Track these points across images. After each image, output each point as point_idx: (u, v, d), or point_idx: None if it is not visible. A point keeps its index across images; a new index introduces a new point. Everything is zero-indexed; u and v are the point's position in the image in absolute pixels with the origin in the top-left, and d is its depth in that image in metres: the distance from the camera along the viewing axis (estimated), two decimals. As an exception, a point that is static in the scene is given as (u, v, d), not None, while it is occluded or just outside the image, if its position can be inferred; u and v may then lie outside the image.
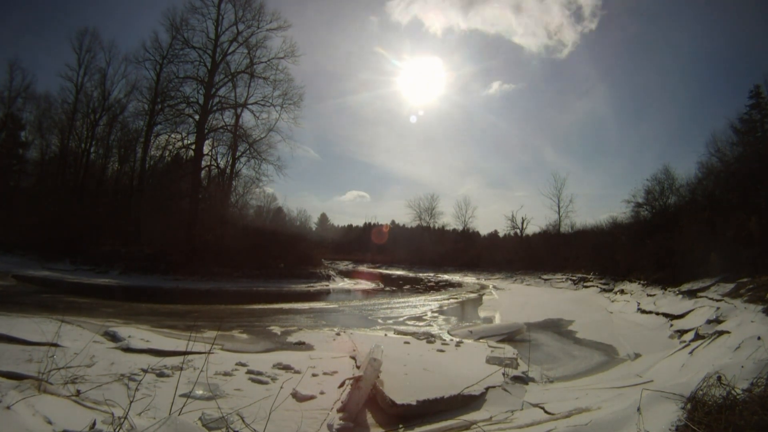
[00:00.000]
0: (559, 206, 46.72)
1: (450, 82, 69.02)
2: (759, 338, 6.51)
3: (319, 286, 27.12)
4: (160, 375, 6.15)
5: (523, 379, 7.32)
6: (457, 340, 11.18)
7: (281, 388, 4.88)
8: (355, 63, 75.10)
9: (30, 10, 52.02)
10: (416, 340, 10.63)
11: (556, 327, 14.23)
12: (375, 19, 77.32)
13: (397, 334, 11.98)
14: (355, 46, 74.83)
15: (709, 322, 10.40)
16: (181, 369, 6.06)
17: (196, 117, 29.68)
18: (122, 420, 3.01)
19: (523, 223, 49.91)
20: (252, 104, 31.04)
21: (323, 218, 74.45)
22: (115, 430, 2.98)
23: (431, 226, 61.40)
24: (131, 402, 3.39)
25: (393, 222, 71.75)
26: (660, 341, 11.42)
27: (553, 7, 71.33)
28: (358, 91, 67.26)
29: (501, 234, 57.17)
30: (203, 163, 30.82)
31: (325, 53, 76.82)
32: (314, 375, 6.97)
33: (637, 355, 9.97)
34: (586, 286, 28.76)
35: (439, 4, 73.30)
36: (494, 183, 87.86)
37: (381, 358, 6.10)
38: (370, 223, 74.04)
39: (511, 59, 74.30)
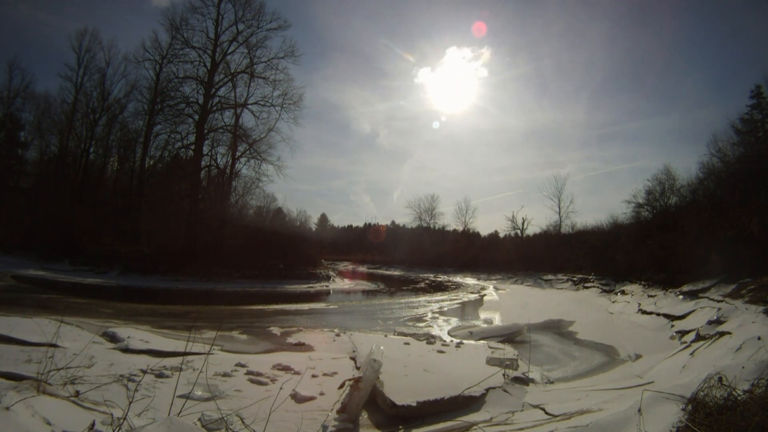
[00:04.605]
0: (559, 207, 46.69)
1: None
2: (759, 338, 6.49)
3: (318, 286, 27.11)
4: (160, 376, 6.14)
5: (523, 380, 7.31)
6: (458, 341, 11.17)
7: (281, 389, 4.85)
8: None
9: (30, 10, 52.02)
10: (416, 341, 10.61)
11: (557, 328, 14.22)
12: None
13: (397, 335, 11.97)
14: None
15: (710, 323, 10.37)
16: (181, 370, 6.04)
17: (196, 117, 29.69)
18: (121, 421, 2.99)
19: (523, 224, 49.86)
20: (252, 104, 31.09)
21: (323, 218, 74.51)
22: (114, 430, 2.96)
23: (431, 226, 61.38)
24: (130, 403, 3.37)
25: (393, 222, 71.87)
26: (661, 342, 11.41)
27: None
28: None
29: (501, 234, 57.05)
30: (203, 163, 30.87)
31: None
32: (314, 376, 6.96)
33: (638, 356, 9.96)
34: (587, 287, 28.75)
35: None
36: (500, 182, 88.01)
37: (381, 359, 6.08)
38: (370, 224, 74.18)
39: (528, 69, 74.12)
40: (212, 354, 7.19)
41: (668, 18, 63.94)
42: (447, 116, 73.50)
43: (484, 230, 62.49)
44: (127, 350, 7.74)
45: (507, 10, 71.24)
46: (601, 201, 69.92)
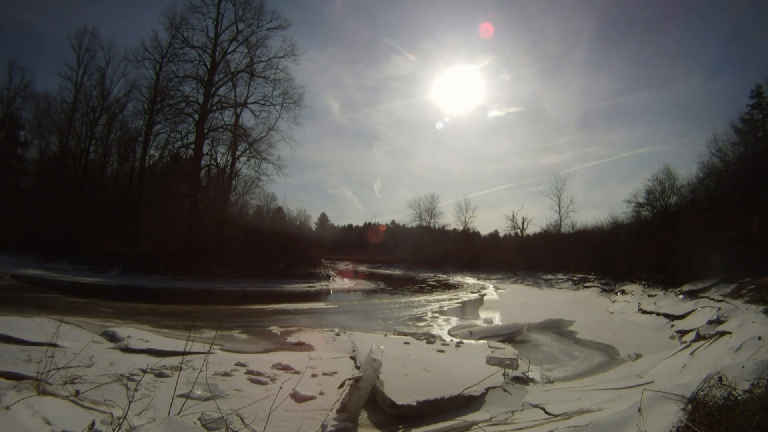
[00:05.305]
0: (559, 206, 46.65)
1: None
2: (760, 338, 6.49)
3: (318, 286, 27.12)
4: (160, 375, 6.13)
5: (523, 380, 7.30)
6: (458, 340, 11.16)
7: (281, 388, 4.86)
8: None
9: (30, 9, 52.03)
10: (416, 341, 10.61)
11: (557, 327, 14.21)
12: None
13: (397, 334, 11.96)
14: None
15: (710, 322, 10.38)
16: (180, 369, 6.04)
17: (196, 116, 29.68)
18: (121, 420, 2.99)
19: (523, 223, 49.85)
20: (252, 103, 31.12)
21: (323, 218, 74.61)
22: (114, 430, 2.96)
23: (431, 226, 61.45)
24: (130, 402, 3.38)
25: (393, 222, 71.95)
26: (661, 342, 11.39)
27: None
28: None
29: (501, 234, 57.14)
30: (203, 163, 30.88)
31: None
32: (314, 375, 6.95)
33: (638, 356, 9.95)
34: (587, 287, 28.73)
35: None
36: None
37: (381, 358, 6.07)
38: (369, 223, 74.24)
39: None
40: (212, 353, 7.18)
41: (670, 17, 63.97)
42: (437, 105, 74.14)
43: (484, 229, 62.69)
44: (126, 350, 7.73)
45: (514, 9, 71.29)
46: (604, 195, 69.50)
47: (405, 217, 78.12)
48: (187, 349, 6.22)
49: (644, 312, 16.10)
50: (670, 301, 15.93)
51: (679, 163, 56.86)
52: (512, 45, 72.22)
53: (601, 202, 71.08)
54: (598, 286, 27.36)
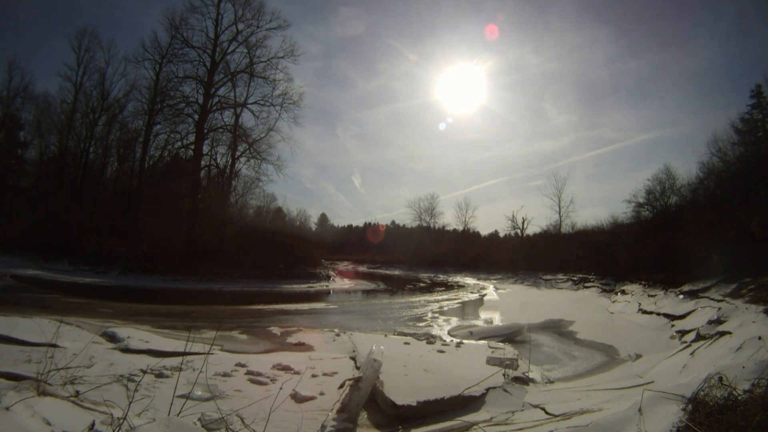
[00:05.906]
0: (559, 206, 46.65)
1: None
2: (760, 338, 6.49)
3: (318, 286, 27.11)
4: (159, 376, 6.13)
5: (523, 380, 7.30)
6: (458, 340, 11.16)
7: (281, 388, 4.85)
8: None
9: (30, 10, 52.05)
10: (416, 341, 10.61)
11: (557, 327, 14.21)
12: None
13: (398, 334, 11.96)
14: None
15: (710, 322, 10.38)
16: (180, 370, 6.04)
17: (196, 117, 29.69)
18: (121, 421, 2.98)
19: (523, 224, 49.82)
20: (252, 104, 31.11)
21: (323, 218, 74.67)
22: (114, 430, 2.96)
23: (431, 226, 61.47)
24: (130, 403, 3.37)
25: (393, 222, 72.04)
26: (661, 342, 11.39)
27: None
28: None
29: (501, 234, 57.14)
30: (202, 163, 30.88)
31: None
32: (314, 376, 6.96)
33: (638, 356, 9.95)
34: (587, 287, 28.73)
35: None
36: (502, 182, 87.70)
37: (381, 358, 6.07)
38: (369, 223, 74.38)
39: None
40: (212, 354, 7.18)
41: (670, 17, 63.94)
42: (435, 101, 74.25)
43: (484, 229, 62.69)
44: (126, 350, 7.73)
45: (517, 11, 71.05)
46: (608, 190, 68.29)
47: (405, 217, 78.42)
48: (187, 350, 6.22)
49: (644, 312, 16.10)
50: (670, 301, 15.93)
51: (691, 151, 53.18)
52: (514, 38, 71.97)
53: (603, 199, 69.39)
54: (598, 286, 27.35)
